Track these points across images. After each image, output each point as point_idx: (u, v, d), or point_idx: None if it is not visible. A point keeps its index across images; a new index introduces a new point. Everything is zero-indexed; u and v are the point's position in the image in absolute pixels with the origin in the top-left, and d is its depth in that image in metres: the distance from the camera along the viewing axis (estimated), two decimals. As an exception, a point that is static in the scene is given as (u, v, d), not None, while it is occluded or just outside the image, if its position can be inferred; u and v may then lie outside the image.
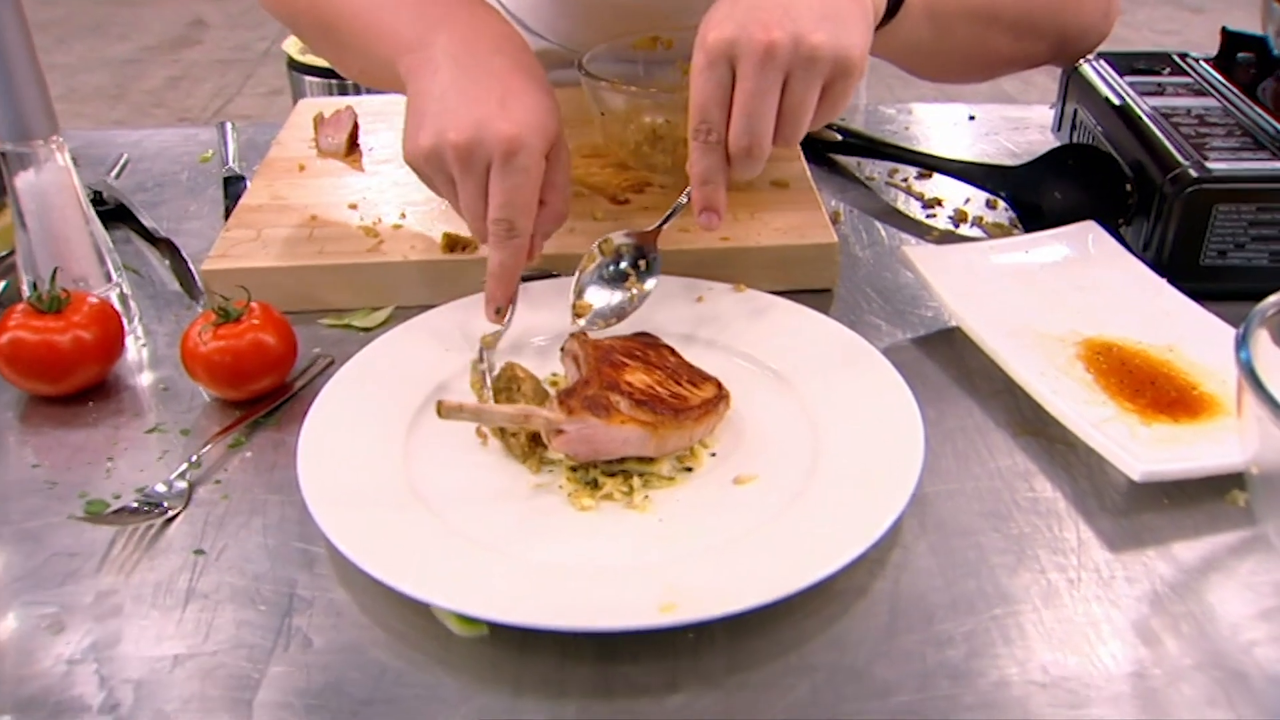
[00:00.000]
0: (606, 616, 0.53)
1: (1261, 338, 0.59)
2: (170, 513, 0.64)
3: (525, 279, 0.79)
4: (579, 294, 0.75)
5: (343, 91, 2.22)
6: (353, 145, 0.99)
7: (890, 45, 0.81)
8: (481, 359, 0.72)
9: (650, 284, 0.75)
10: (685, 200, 0.74)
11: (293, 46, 2.29)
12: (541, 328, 0.77)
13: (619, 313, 0.74)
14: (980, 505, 0.64)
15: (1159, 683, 0.52)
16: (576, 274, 0.75)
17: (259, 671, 0.54)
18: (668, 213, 0.76)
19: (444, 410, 0.59)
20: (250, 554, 0.61)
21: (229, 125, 1.13)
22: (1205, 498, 0.63)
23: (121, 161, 1.07)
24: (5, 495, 0.66)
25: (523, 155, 0.69)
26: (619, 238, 0.76)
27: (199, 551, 0.62)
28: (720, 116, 0.67)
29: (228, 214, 0.93)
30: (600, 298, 0.75)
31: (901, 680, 0.53)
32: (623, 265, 0.76)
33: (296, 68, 2.27)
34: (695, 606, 0.53)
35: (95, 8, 5.03)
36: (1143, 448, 0.64)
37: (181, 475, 0.66)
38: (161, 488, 0.65)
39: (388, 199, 0.90)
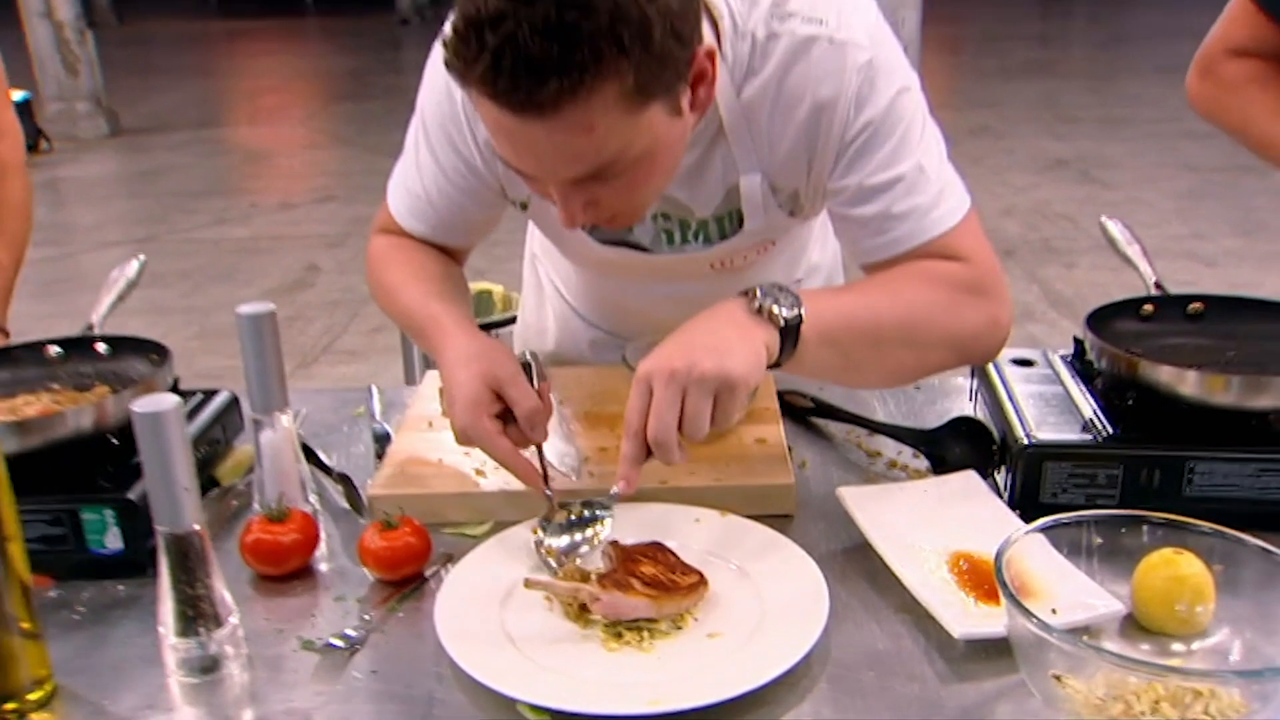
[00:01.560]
0: (618, 707, 0.90)
1: (1038, 543, 0.96)
2: (355, 648, 1.02)
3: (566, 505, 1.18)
4: (543, 535, 1.12)
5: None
6: (466, 407, 1.41)
7: (804, 370, 1.16)
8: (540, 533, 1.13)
9: (606, 529, 1.12)
10: (613, 492, 1.10)
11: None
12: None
13: (576, 550, 1.10)
14: (864, 653, 1.00)
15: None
16: (542, 523, 1.13)
17: (412, 740, 0.92)
18: (612, 489, 1.10)
19: (528, 583, 0.98)
20: (404, 673, 0.99)
21: (374, 389, 1.56)
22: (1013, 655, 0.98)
23: (302, 415, 1.50)
24: (253, 638, 1.04)
25: (459, 421, 1.14)
26: (576, 504, 1.13)
27: (374, 671, 1.00)
28: (641, 421, 1.05)
29: (378, 457, 1.35)
30: (562, 542, 1.11)
31: (795, 752, 0.88)
32: (587, 515, 1.13)
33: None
34: (673, 702, 0.90)
35: (228, 257, 5.75)
36: (971, 619, 1.00)
37: (359, 627, 1.05)
38: (352, 632, 1.04)
39: (490, 447, 1.31)
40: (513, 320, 2.47)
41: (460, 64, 0.96)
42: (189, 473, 0.96)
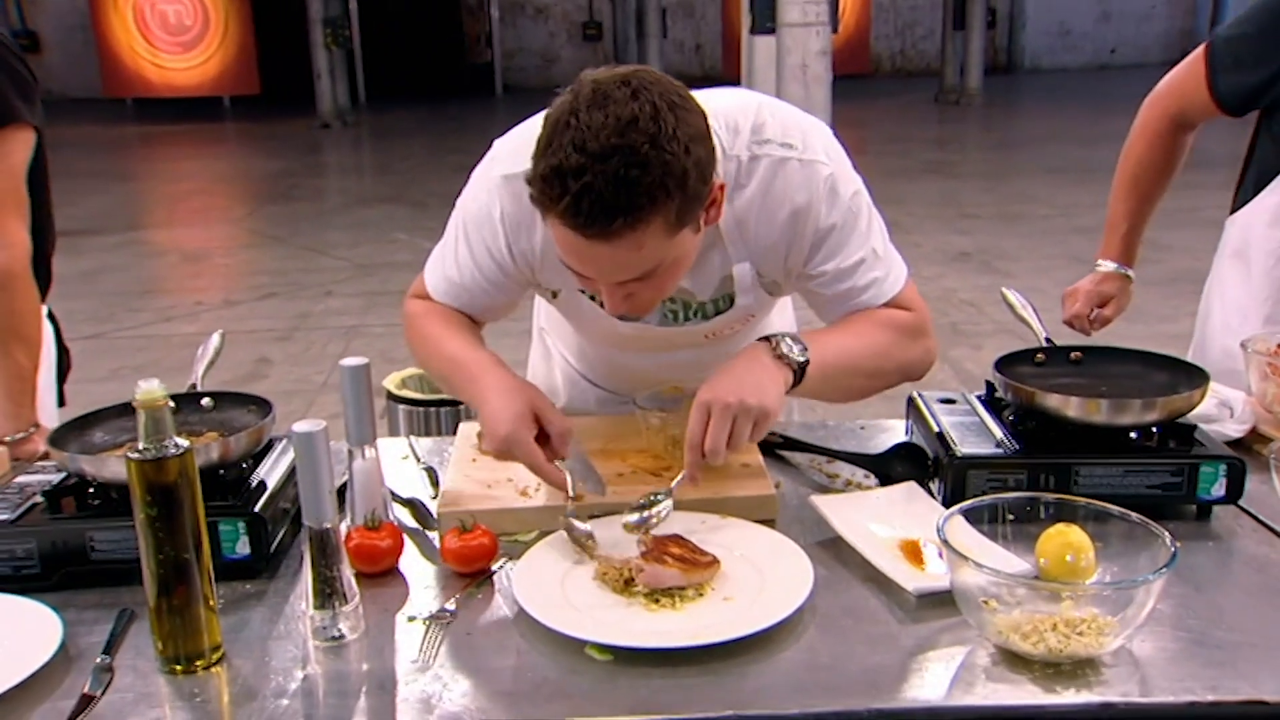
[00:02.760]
0: (666, 643, 1.21)
1: (959, 522, 1.30)
2: (451, 619, 1.32)
3: (604, 514, 1.48)
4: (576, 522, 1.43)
5: (425, 418, 3.01)
6: (500, 448, 1.72)
7: (802, 394, 1.54)
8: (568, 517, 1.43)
9: (665, 508, 1.43)
10: (676, 484, 1.45)
11: (390, 383, 3.07)
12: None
13: (646, 525, 1.42)
14: (841, 608, 1.33)
15: (902, 674, 1.20)
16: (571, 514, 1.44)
17: (497, 671, 1.22)
18: (674, 482, 1.46)
19: (595, 557, 1.30)
20: (492, 634, 1.30)
21: (412, 439, 1.86)
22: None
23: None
24: (369, 617, 1.33)
25: (504, 429, 1.45)
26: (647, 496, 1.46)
27: (468, 634, 1.30)
28: (700, 436, 1.40)
29: (434, 486, 1.65)
30: (634, 518, 1.43)
31: (793, 680, 1.20)
32: (653, 497, 1.45)
33: (393, 398, 3.05)
34: (707, 638, 1.21)
35: (179, 352, 5.94)
36: (919, 579, 1.34)
37: (452, 603, 1.35)
38: (449, 606, 1.34)
39: (526, 475, 1.61)
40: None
41: (546, 200, 1.30)
42: (331, 481, 1.26)
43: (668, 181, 1.28)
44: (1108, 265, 2.25)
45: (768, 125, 1.53)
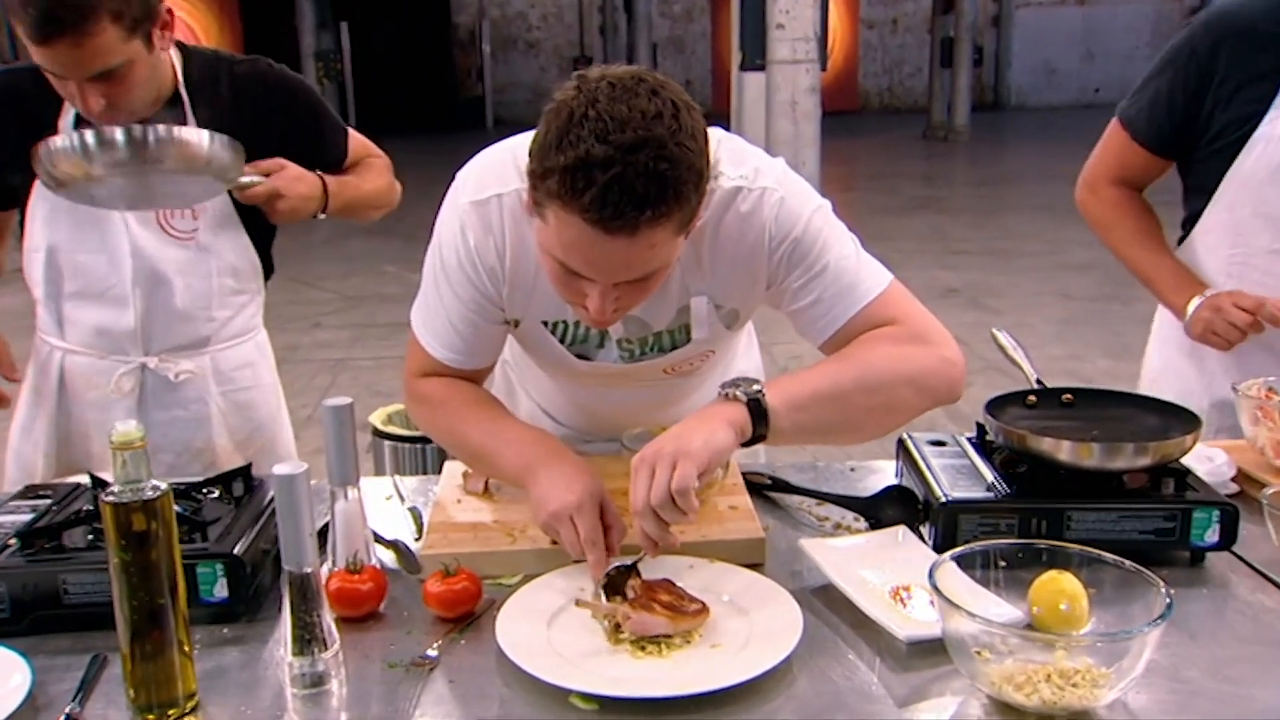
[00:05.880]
0: (651, 692, 1.19)
1: (950, 568, 1.28)
2: (433, 666, 1.29)
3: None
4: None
5: (410, 455, 2.99)
6: (486, 487, 1.70)
7: (791, 436, 1.48)
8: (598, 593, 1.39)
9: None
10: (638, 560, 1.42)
11: (376, 418, 3.05)
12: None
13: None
14: (833, 653, 1.30)
15: None
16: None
17: (491, 727, 1.19)
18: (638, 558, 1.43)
19: (579, 604, 1.28)
20: (475, 682, 1.27)
21: (398, 479, 1.84)
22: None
23: (339, 499, 1.76)
24: (349, 663, 1.30)
25: (585, 505, 1.42)
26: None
27: (451, 681, 1.27)
28: (645, 498, 1.35)
29: (418, 528, 1.63)
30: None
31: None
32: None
33: (379, 434, 3.02)
34: (694, 688, 1.19)
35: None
36: (910, 626, 1.31)
37: (434, 649, 1.32)
38: (431, 653, 1.31)
39: (513, 517, 1.59)
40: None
41: (568, 194, 1.25)
42: (312, 524, 1.23)
43: (690, 178, 1.28)
44: (1198, 301, 2.06)
45: (721, 161, 1.50)
